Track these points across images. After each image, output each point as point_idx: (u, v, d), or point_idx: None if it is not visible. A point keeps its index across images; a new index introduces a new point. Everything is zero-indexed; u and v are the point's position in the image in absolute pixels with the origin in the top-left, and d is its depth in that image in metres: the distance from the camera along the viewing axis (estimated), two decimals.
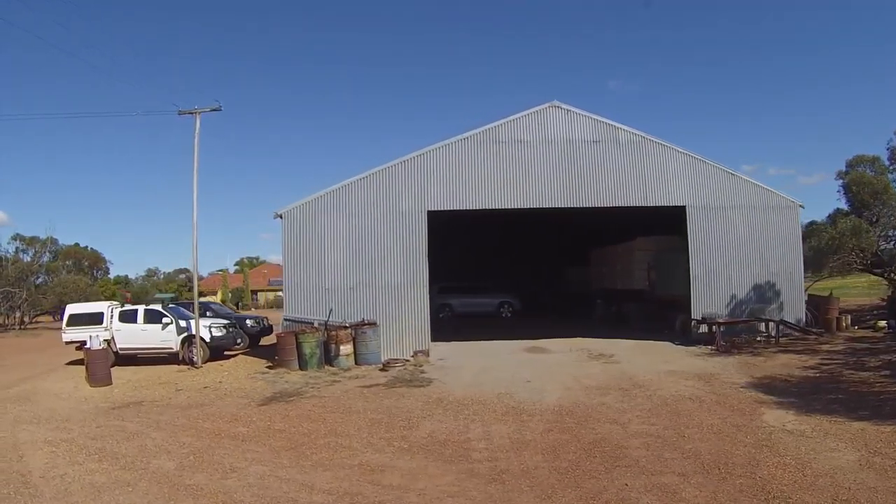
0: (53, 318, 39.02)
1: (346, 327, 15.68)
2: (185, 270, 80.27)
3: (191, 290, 58.84)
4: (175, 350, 18.17)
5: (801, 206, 17.09)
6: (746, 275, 16.86)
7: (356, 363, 15.64)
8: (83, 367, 18.06)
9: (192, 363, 17.83)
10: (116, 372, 16.08)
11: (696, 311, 16.70)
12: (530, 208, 16.71)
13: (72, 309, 19.19)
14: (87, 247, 43.11)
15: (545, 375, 13.61)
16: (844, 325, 17.03)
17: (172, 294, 55.84)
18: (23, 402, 13.23)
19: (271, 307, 62.42)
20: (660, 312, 19.32)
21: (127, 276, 56.94)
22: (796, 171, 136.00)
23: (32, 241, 34.15)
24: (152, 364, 17.92)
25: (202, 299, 59.64)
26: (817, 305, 17.34)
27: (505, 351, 17.12)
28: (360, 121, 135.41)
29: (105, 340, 16.34)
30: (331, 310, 16.08)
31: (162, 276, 69.94)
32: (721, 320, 16.10)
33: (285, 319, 16.56)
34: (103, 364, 15.31)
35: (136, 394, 13.85)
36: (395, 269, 16.36)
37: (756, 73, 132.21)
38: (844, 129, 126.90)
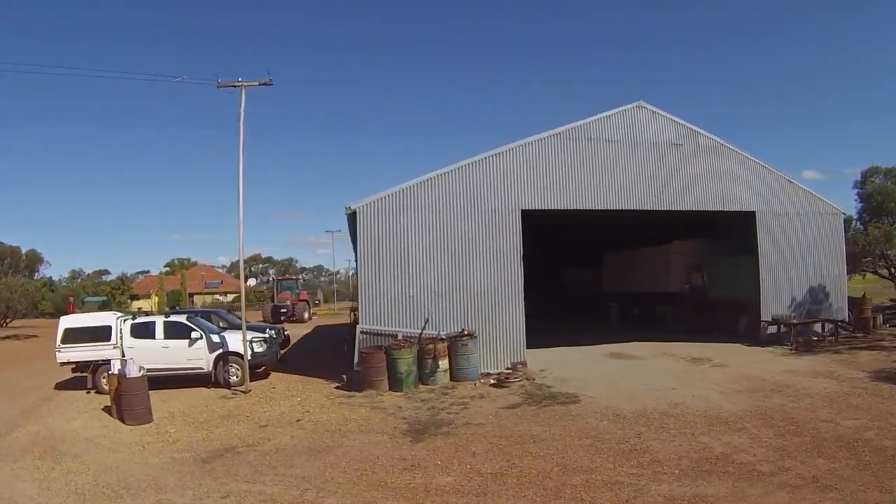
0: None
1: (443, 339, 12.78)
2: (107, 272, 69.03)
3: (124, 293, 50.35)
4: (206, 370, 14.00)
5: (843, 213, 17.02)
6: (803, 277, 16.36)
7: (451, 379, 12.79)
8: (86, 394, 13.44)
9: (228, 385, 13.85)
10: None
11: (766, 313, 15.89)
12: (618, 210, 14.87)
13: (68, 322, 14.17)
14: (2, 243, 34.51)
15: (680, 382, 11.97)
16: (878, 323, 17.19)
17: (104, 298, 47.12)
18: (54, 456, 8.89)
19: None
20: (703, 314, 18.43)
21: (51, 277, 46.83)
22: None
23: None
24: (172, 387, 13.54)
25: (136, 302, 50.75)
26: (852, 305, 17.33)
27: (590, 358, 15.10)
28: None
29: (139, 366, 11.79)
30: (426, 320, 13.04)
31: (85, 277, 59.14)
32: (795, 321, 15.40)
33: (362, 332, 13.20)
34: (142, 396, 11.02)
35: (206, 435, 9.94)
36: (487, 273, 13.67)
37: (745, 58, 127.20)
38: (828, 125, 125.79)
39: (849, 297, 17.28)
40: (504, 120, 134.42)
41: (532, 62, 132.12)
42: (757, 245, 15.95)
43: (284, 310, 37.07)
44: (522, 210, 13.97)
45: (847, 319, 16.67)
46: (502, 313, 13.67)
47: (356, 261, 13.50)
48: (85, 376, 13.99)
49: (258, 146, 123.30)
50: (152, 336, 13.92)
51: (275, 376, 15.11)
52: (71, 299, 32.12)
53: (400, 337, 12.97)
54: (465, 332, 12.95)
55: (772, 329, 15.79)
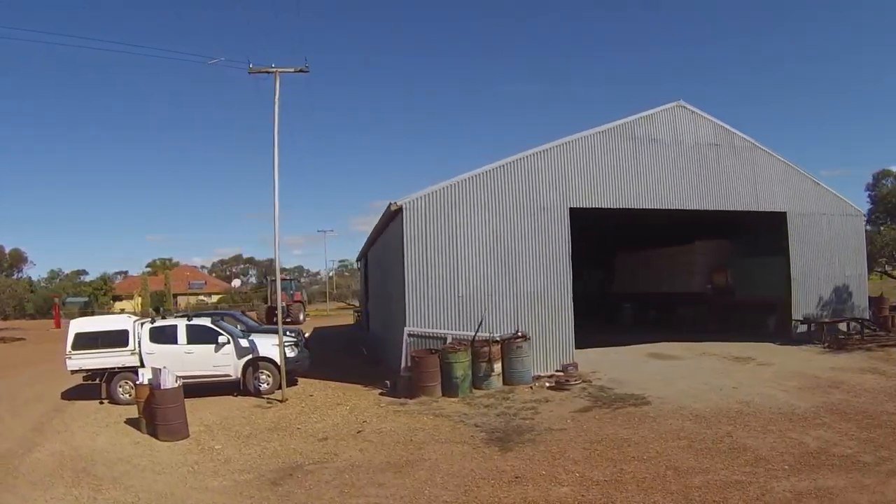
0: None
1: (497, 341, 11.76)
2: (85, 272, 64.78)
3: (106, 293, 47.20)
4: (234, 377, 12.59)
5: (864, 214, 16.88)
6: (829, 277, 16.13)
7: (504, 383, 11.81)
8: (99, 404, 11.85)
9: (258, 393, 12.48)
10: None
11: (797, 312, 15.52)
12: (661, 209, 14.22)
13: (79, 326, 12.50)
14: None
15: (737, 381, 11.47)
16: None
17: (86, 298, 44.00)
18: (91, 482, 7.48)
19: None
20: (728, 315, 17.97)
21: (31, 277, 42.97)
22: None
23: None
24: (195, 395, 11.98)
25: (119, 303, 47.86)
26: (870, 304, 17.15)
27: (632, 359, 14.43)
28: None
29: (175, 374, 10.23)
30: (481, 321, 12.00)
31: (64, 278, 55.15)
32: (827, 320, 15.05)
33: (409, 335, 12.06)
34: (178, 409, 9.62)
35: (260, 451, 8.65)
36: (537, 272, 12.78)
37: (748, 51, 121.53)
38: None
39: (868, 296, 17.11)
40: (503, 122, 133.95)
41: (529, 62, 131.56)
42: (787, 245, 15.61)
43: None
44: (570, 208, 13.12)
45: (869, 318, 16.46)
46: (553, 313, 12.82)
47: (404, 259, 12.23)
48: (95, 384, 12.41)
49: (237, 145, 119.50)
50: (174, 341, 12.44)
51: (304, 382, 13.81)
52: (57, 300, 29.51)
53: (450, 339, 11.93)
54: (520, 334, 11.97)
55: (801, 328, 15.42)
